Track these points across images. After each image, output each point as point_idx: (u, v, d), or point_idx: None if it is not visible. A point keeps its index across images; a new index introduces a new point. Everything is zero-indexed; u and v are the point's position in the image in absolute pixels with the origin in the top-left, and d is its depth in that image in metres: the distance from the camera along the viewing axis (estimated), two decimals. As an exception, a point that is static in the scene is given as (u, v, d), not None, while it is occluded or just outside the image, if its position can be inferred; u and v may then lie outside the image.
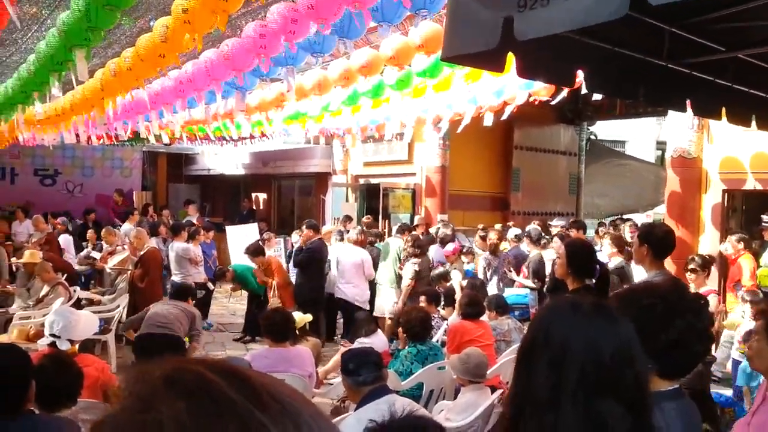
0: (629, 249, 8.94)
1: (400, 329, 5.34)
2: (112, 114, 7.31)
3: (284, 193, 17.63)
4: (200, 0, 3.85)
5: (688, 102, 3.53)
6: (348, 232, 9.31)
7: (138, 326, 6.10)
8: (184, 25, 4.06)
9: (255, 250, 8.95)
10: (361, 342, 5.69)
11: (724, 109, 3.68)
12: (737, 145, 7.64)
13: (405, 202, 13.24)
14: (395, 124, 8.81)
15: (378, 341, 5.80)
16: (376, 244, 9.39)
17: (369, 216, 12.03)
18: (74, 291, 7.80)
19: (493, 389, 4.55)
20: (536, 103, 6.88)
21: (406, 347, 5.17)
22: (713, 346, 5.97)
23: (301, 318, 5.87)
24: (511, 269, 8.32)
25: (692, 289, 5.51)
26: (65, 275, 8.18)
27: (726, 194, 7.97)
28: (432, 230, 10.54)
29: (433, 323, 5.79)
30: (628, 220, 11.54)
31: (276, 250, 10.69)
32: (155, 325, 5.90)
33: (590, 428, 1.25)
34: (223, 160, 17.57)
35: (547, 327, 1.38)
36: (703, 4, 2.78)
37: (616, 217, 13.31)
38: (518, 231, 9.48)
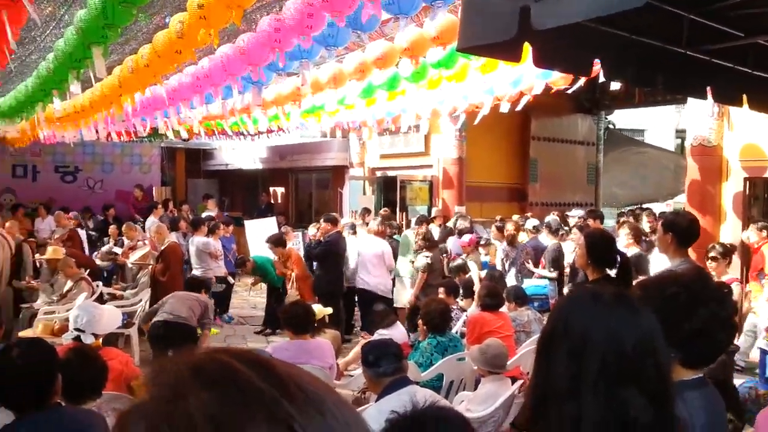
0: (647, 240, 8.90)
1: (420, 321, 5.36)
2: (131, 110, 7.38)
3: (302, 187, 17.69)
4: (216, -5, 3.87)
5: (708, 89, 3.49)
6: (367, 224, 9.35)
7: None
8: (199, 21, 4.08)
9: (276, 240, 9.00)
10: (381, 334, 5.71)
11: (745, 96, 3.63)
12: (758, 132, 7.53)
13: (422, 195, 13.22)
14: (411, 117, 8.79)
15: (397, 333, 5.82)
16: (394, 236, 9.40)
17: (386, 208, 12.03)
18: (97, 286, 7.90)
19: (514, 380, 4.55)
20: (553, 92, 6.83)
21: (426, 339, 5.18)
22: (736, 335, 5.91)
23: (321, 310, 5.90)
24: (530, 261, 8.29)
25: (714, 277, 5.45)
26: (88, 270, 8.29)
27: (747, 182, 7.87)
28: (450, 222, 10.53)
29: (452, 314, 5.79)
30: (647, 209, 11.45)
31: (294, 244, 10.73)
32: (169, 313, 6.15)
33: (612, 418, 1.25)
34: (240, 155, 17.65)
35: (567, 317, 1.38)
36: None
37: (635, 207, 13.22)
38: (536, 222, 9.44)
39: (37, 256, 8.72)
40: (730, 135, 7.82)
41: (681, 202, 12.48)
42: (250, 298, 11.43)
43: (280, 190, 17.98)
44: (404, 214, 12.63)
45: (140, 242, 10.11)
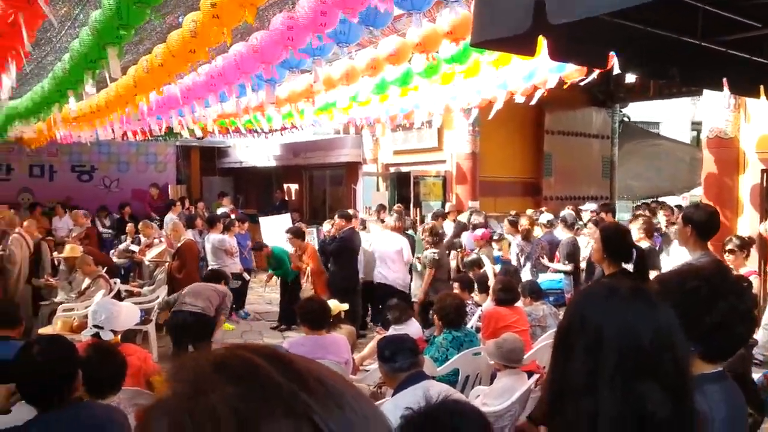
0: (662, 233, 8.84)
1: (435, 316, 5.36)
2: (146, 110, 7.43)
3: (316, 184, 17.73)
4: (229, -6, 3.88)
5: (724, 80, 3.46)
6: (382, 221, 9.39)
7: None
8: (212, 20, 4.09)
9: (296, 231, 9.07)
10: (396, 329, 5.72)
11: (762, 87, 3.59)
12: (776, 123, 7.45)
13: (436, 190, 13.21)
14: (424, 112, 8.78)
15: (412, 328, 5.82)
16: (408, 232, 9.41)
17: (399, 204, 12.02)
18: (114, 283, 7.98)
19: (530, 374, 4.54)
20: (567, 86, 6.79)
21: (441, 334, 5.19)
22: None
23: (336, 306, 5.92)
24: (545, 256, 8.25)
25: (732, 270, 5.40)
26: (105, 268, 8.37)
27: (765, 174, 7.78)
28: (462, 217, 10.49)
29: (467, 309, 5.78)
30: (663, 204, 11.36)
31: (309, 240, 10.78)
32: (187, 304, 6.43)
33: (629, 413, 1.25)
34: (254, 153, 17.72)
35: (584, 312, 1.38)
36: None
37: (651, 200, 13.11)
38: (550, 216, 9.39)
39: (55, 254, 8.82)
40: (747, 127, 7.73)
41: (697, 194, 12.36)
42: (265, 294, 11.49)
43: (294, 187, 18.03)
44: (418, 209, 12.63)
45: (157, 240, 10.19)
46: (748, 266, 5.96)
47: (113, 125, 8.85)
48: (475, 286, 6.97)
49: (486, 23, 2.34)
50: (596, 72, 5.87)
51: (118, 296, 7.54)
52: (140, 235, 10.68)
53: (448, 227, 10.12)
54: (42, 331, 6.51)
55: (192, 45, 4.46)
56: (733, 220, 7.79)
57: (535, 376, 4.44)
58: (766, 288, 7.13)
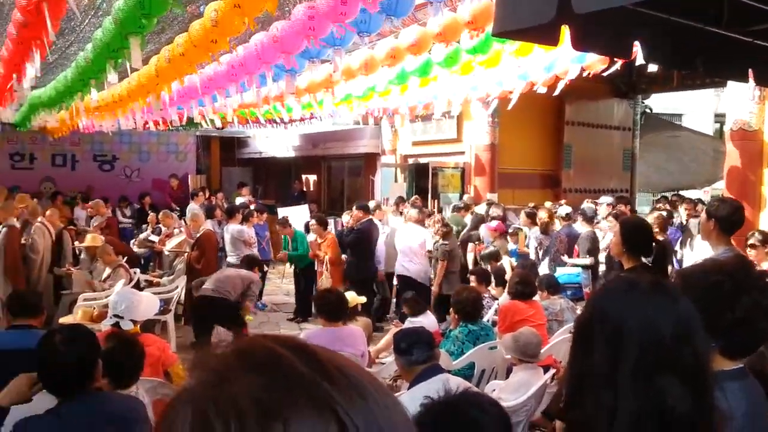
0: (683, 226, 8.73)
1: (451, 309, 5.35)
2: (168, 100, 7.47)
3: (334, 175, 17.76)
4: (249, -16, 3.88)
5: (750, 71, 3.39)
6: (401, 213, 9.42)
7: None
8: (234, 10, 4.10)
9: (321, 219, 9.14)
10: (412, 321, 5.72)
11: (789, 79, 3.52)
12: (802, 116, 7.31)
13: (454, 182, 13.16)
14: (443, 103, 8.74)
15: (427, 321, 5.82)
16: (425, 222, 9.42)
17: (417, 196, 12.00)
18: (134, 273, 8.06)
19: (547, 369, 4.52)
20: (592, 76, 6.71)
21: (458, 327, 5.18)
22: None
23: (354, 299, 5.93)
24: (563, 250, 8.18)
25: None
26: (125, 258, 8.46)
27: (790, 168, 7.64)
28: (478, 209, 10.42)
29: (483, 303, 5.77)
30: (683, 197, 11.24)
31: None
32: (207, 288, 6.83)
33: (649, 407, 1.24)
34: (273, 143, 17.78)
35: (604, 306, 1.37)
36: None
37: (672, 194, 12.98)
38: (569, 209, 9.31)
39: (76, 243, 8.92)
40: (773, 119, 7.59)
41: (719, 188, 12.20)
42: (283, 286, 11.55)
43: (312, 178, 18.08)
44: (436, 201, 12.60)
45: (176, 230, 10.28)
46: (771, 261, 5.86)
47: (135, 115, 8.91)
48: (492, 279, 6.95)
49: (508, 13, 2.32)
50: (619, 62, 5.80)
51: (138, 286, 7.62)
52: (161, 225, 10.78)
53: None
54: (62, 320, 6.60)
55: (213, 35, 4.48)
56: (756, 214, 7.66)
57: (551, 371, 4.42)
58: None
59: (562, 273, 7.74)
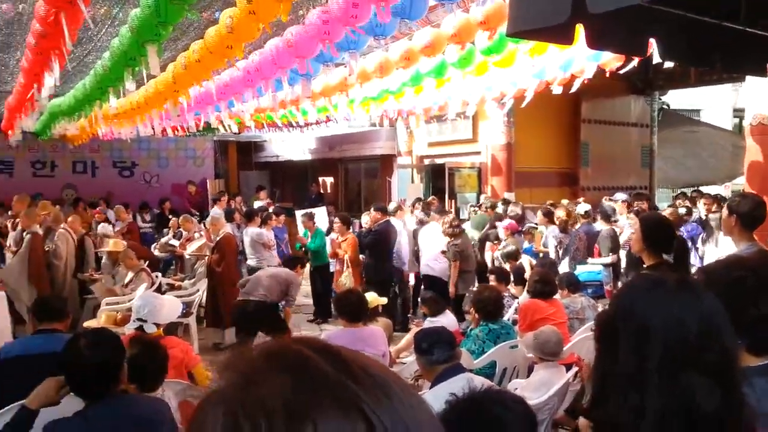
0: (702, 221, 8.63)
1: (472, 308, 5.34)
2: (186, 106, 7.54)
3: (351, 176, 17.80)
4: (264, -11, 3.91)
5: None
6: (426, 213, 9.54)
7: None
8: (249, 16, 4.14)
9: (344, 219, 9.21)
10: (431, 321, 5.72)
11: (809, 72, 3.48)
12: (824, 108, 7.19)
13: (471, 182, 13.13)
14: (458, 103, 8.73)
15: (447, 320, 5.81)
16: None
17: (434, 197, 11.99)
18: (156, 277, 8.14)
19: (569, 367, 4.49)
20: (610, 74, 6.66)
21: (478, 326, 5.17)
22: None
23: (374, 299, 5.94)
24: (582, 248, 8.13)
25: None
26: (147, 262, 8.54)
27: (812, 162, 7.53)
28: (498, 208, 10.38)
29: (504, 302, 5.75)
30: (702, 193, 11.11)
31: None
32: (244, 292, 6.99)
33: (676, 404, 1.24)
34: (290, 147, 17.86)
35: (629, 304, 1.37)
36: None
37: (692, 190, 12.85)
38: (588, 207, 9.26)
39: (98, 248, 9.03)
40: (794, 113, 7.48)
41: (739, 184, 12.05)
42: (302, 287, 11.57)
43: (329, 180, 18.14)
44: (453, 201, 12.57)
45: (197, 234, 10.36)
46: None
47: (153, 121, 9.01)
48: (512, 278, 6.93)
49: (522, 12, 2.32)
50: (635, 60, 5.76)
51: (160, 289, 7.70)
52: (182, 230, 10.87)
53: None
54: (87, 324, 6.67)
55: (229, 41, 4.52)
56: (778, 209, 7.56)
57: (574, 369, 4.39)
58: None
59: (582, 271, 7.70)
